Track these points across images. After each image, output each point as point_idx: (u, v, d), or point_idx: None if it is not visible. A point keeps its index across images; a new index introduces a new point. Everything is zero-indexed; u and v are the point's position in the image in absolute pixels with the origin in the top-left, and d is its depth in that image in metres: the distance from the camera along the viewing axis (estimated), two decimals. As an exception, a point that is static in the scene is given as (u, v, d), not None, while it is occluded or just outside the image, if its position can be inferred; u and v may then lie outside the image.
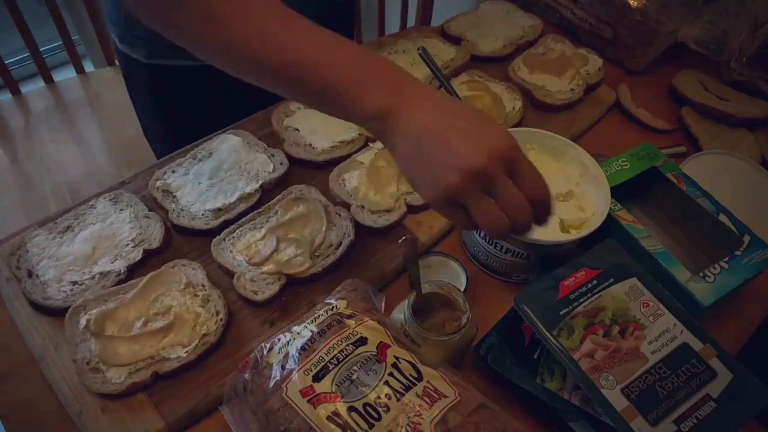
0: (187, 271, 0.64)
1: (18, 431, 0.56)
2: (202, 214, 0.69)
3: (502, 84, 0.89)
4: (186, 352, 0.57)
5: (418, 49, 0.74)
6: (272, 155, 0.76)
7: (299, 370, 0.48)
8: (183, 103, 0.90)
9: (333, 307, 0.53)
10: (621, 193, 0.69)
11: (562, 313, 0.56)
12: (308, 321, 0.52)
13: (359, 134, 0.79)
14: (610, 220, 0.65)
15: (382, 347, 0.50)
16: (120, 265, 0.64)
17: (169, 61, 0.83)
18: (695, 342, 0.56)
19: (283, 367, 0.49)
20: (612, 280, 0.59)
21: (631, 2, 0.93)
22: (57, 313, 0.61)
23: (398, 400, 0.46)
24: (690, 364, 0.55)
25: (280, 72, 0.50)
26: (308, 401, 0.46)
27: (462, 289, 0.65)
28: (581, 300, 0.57)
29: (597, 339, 0.55)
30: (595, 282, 0.59)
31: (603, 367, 0.53)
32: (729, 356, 0.56)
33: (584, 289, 0.58)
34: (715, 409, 0.52)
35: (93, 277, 0.63)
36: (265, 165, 0.74)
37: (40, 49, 1.33)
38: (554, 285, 0.58)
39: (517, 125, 0.83)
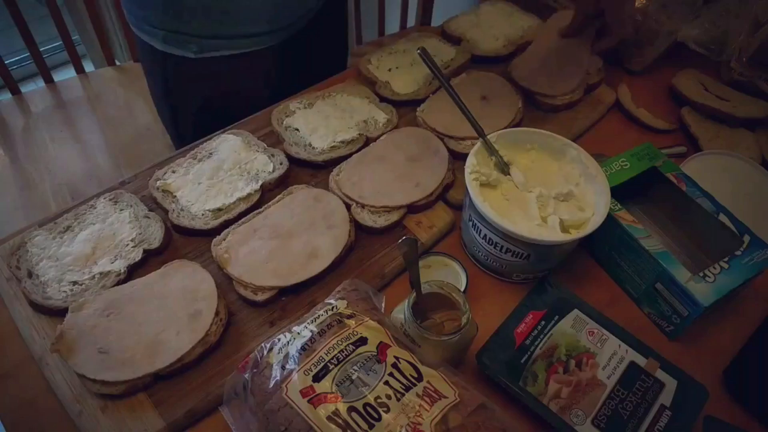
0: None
1: (18, 431, 0.56)
2: (202, 214, 0.69)
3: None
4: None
5: (418, 49, 0.74)
6: (272, 155, 0.76)
7: (299, 370, 0.48)
8: (197, 90, 0.92)
9: (333, 307, 0.53)
10: (621, 193, 0.69)
11: (522, 361, 0.59)
12: (308, 321, 0.52)
13: (359, 134, 0.79)
14: (610, 220, 0.65)
15: (382, 347, 0.50)
16: (120, 265, 0.64)
17: (180, 51, 0.84)
18: (640, 358, 0.60)
19: (283, 367, 0.49)
20: (557, 317, 0.62)
21: (631, 2, 0.93)
22: (57, 313, 0.61)
23: (398, 400, 0.46)
24: (641, 380, 0.58)
25: None
26: (308, 401, 0.46)
27: (462, 289, 0.65)
28: (536, 343, 0.60)
29: (559, 377, 0.58)
30: (543, 323, 0.62)
31: (571, 404, 0.56)
32: (670, 365, 0.59)
33: (536, 332, 0.61)
34: (671, 416, 0.56)
35: (93, 277, 0.63)
36: (265, 165, 0.74)
37: (40, 49, 1.33)
38: (510, 335, 0.61)
39: (517, 125, 0.83)
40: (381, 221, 0.70)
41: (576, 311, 0.63)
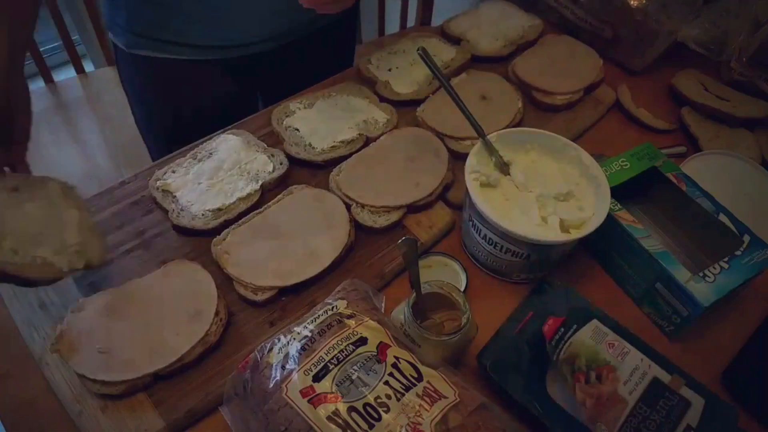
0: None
1: (18, 431, 0.56)
2: (202, 214, 0.69)
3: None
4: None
5: (418, 49, 0.74)
6: (272, 155, 0.76)
7: (299, 370, 0.48)
8: (162, 95, 0.91)
9: (333, 307, 0.53)
10: (621, 193, 0.69)
11: (554, 358, 0.57)
12: (308, 321, 0.52)
13: (359, 134, 0.79)
14: (610, 220, 0.65)
15: (382, 347, 0.50)
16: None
17: (147, 51, 0.84)
18: (663, 374, 0.56)
19: (283, 367, 0.49)
20: (575, 326, 0.60)
21: (631, 2, 0.93)
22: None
23: (398, 400, 0.46)
24: (665, 398, 0.55)
25: None
26: (308, 401, 0.46)
27: (462, 289, 0.65)
28: (559, 347, 0.58)
29: (582, 387, 0.55)
30: (562, 330, 0.59)
31: (596, 416, 0.54)
32: (696, 382, 0.56)
33: (557, 336, 0.59)
34: None
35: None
36: (265, 165, 0.74)
37: (40, 49, 1.33)
38: (537, 333, 0.59)
39: (517, 125, 0.83)
40: (381, 221, 0.70)
41: (595, 321, 0.60)
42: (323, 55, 0.99)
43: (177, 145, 0.79)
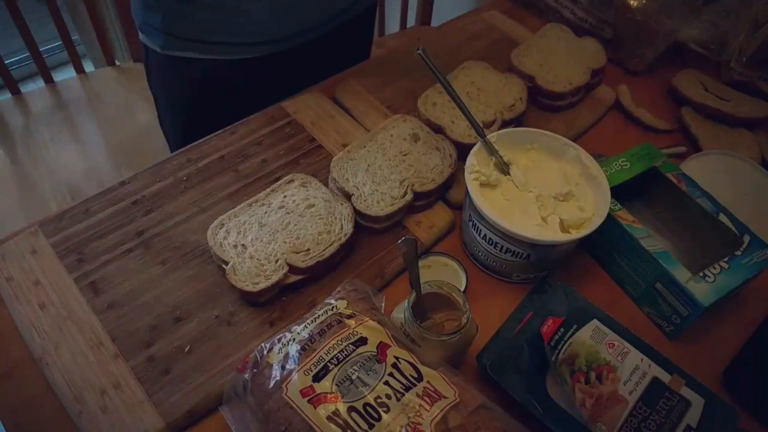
0: None
1: (18, 431, 0.56)
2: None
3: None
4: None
5: (418, 49, 0.74)
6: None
7: (299, 370, 0.48)
8: (197, 96, 0.93)
9: (333, 307, 0.53)
10: (621, 193, 0.69)
11: (552, 359, 0.57)
12: (308, 321, 0.52)
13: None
14: (610, 220, 0.66)
15: (382, 347, 0.50)
16: None
17: (182, 53, 0.85)
18: (663, 374, 0.57)
19: (283, 367, 0.49)
20: (575, 326, 0.60)
21: (631, 2, 0.93)
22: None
23: (398, 400, 0.46)
24: (665, 398, 0.55)
25: None
26: (308, 401, 0.46)
27: (462, 289, 0.65)
28: (559, 347, 0.58)
29: (582, 387, 0.56)
30: (562, 330, 0.59)
31: (595, 416, 0.54)
32: (696, 382, 0.57)
33: (557, 336, 0.59)
34: None
35: None
36: None
37: (40, 49, 1.33)
38: (536, 333, 0.59)
39: (517, 124, 0.83)
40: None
41: (595, 321, 0.60)
42: (344, 49, 1.00)
43: (192, 138, 0.80)
